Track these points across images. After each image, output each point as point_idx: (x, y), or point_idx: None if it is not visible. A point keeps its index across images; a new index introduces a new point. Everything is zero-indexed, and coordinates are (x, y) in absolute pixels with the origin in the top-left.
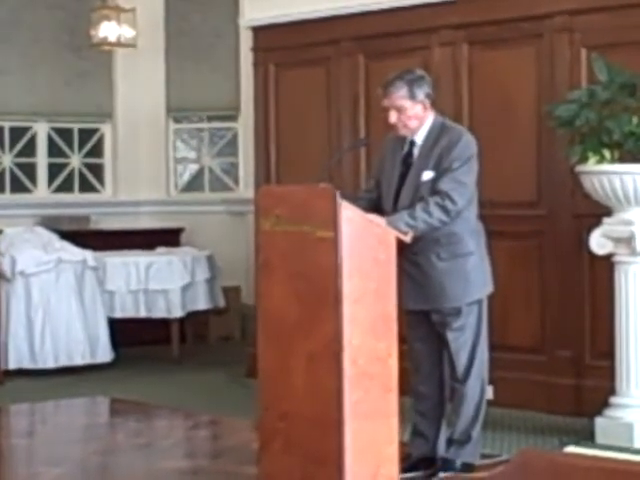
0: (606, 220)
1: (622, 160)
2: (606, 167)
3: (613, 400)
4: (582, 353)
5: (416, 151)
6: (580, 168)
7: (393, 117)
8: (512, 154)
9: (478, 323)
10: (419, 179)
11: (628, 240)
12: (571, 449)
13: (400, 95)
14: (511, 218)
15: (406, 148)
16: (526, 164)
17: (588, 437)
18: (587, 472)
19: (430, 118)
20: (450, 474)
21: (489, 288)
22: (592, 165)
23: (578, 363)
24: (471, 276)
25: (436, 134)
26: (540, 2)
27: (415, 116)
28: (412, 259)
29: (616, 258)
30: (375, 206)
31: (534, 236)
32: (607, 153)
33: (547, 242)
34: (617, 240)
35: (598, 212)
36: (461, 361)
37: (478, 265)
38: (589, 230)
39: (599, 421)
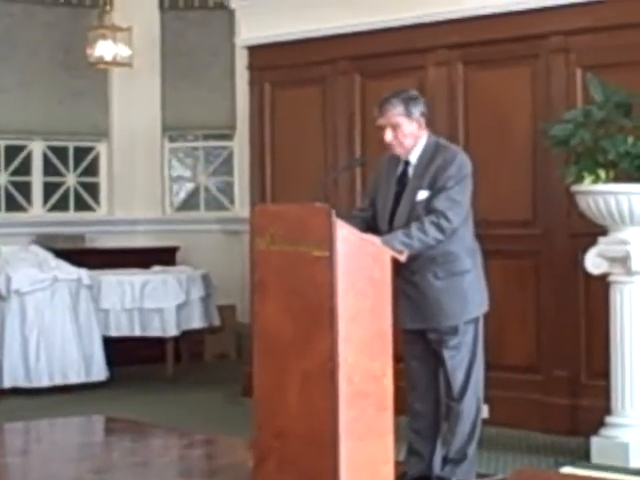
0: (601, 240)
1: (617, 180)
2: (601, 187)
3: (609, 420)
4: (578, 372)
5: (411, 170)
6: (575, 188)
7: (389, 135)
8: (507, 173)
9: (474, 342)
10: (414, 198)
11: (623, 260)
12: (567, 470)
13: (396, 112)
14: (506, 237)
15: (401, 168)
16: (521, 183)
17: (584, 457)
18: None
19: (424, 137)
20: None
21: (485, 306)
22: (587, 185)
23: (574, 382)
24: (468, 294)
25: (430, 153)
26: (536, 23)
27: (410, 134)
28: (409, 278)
29: (611, 278)
30: (368, 225)
31: (530, 255)
32: (602, 173)
33: (543, 261)
34: (612, 260)
35: (593, 232)
36: (457, 379)
37: (475, 283)
38: (584, 250)
39: (595, 441)
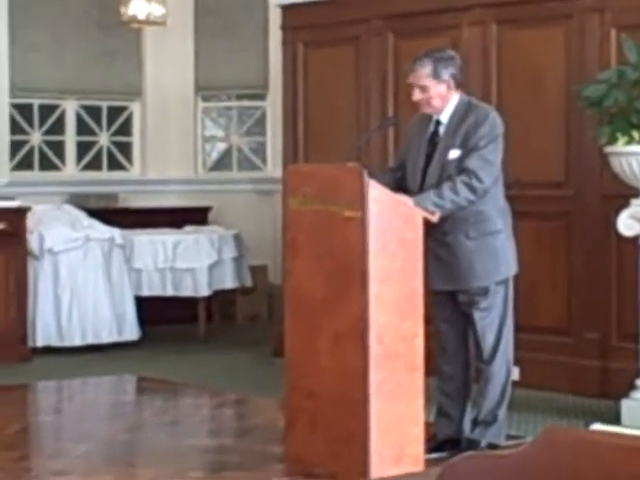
0: (634, 201)
1: None
2: (635, 148)
3: (639, 382)
4: (608, 335)
5: (442, 130)
6: (609, 149)
7: (417, 95)
8: (540, 134)
9: (505, 303)
10: (446, 158)
11: None
12: (597, 427)
13: (424, 73)
14: (538, 198)
15: (432, 127)
16: (554, 144)
17: (614, 419)
18: (613, 449)
19: (455, 98)
20: None
21: (516, 267)
22: (621, 146)
23: (604, 345)
24: (500, 254)
25: (462, 113)
26: None
27: (438, 95)
28: (440, 239)
29: None
30: (399, 185)
31: (561, 217)
32: (636, 134)
33: (574, 223)
34: None
35: (626, 193)
36: (487, 342)
37: (506, 243)
38: (617, 211)
39: (625, 403)
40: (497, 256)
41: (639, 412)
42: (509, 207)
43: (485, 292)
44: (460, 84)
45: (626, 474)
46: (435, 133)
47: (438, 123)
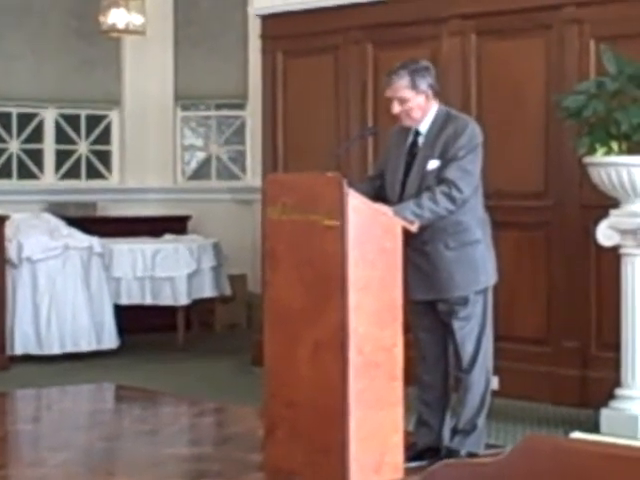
0: (613, 212)
1: (630, 152)
2: (614, 159)
3: (619, 392)
4: (588, 344)
5: (421, 140)
6: (588, 159)
7: (396, 108)
8: (520, 145)
9: (484, 313)
10: (425, 168)
11: (635, 232)
12: (576, 435)
13: (402, 85)
14: (518, 209)
15: (411, 138)
16: (534, 155)
17: (593, 428)
18: (592, 457)
19: (434, 108)
20: None
21: (495, 277)
22: (600, 157)
23: (584, 354)
24: (479, 264)
25: (441, 123)
26: None
27: (418, 107)
28: (420, 249)
29: (623, 250)
30: (377, 194)
31: (540, 227)
32: (615, 145)
33: (553, 233)
34: (624, 232)
35: (605, 204)
36: (467, 351)
37: (485, 253)
38: (596, 222)
39: (604, 412)
40: (476, 266)
41: (618, 421)
42: (488, 217)
43: (465, 302)
44: (437, 93)
45: None
46: (414, 143)
47: (417, 133)
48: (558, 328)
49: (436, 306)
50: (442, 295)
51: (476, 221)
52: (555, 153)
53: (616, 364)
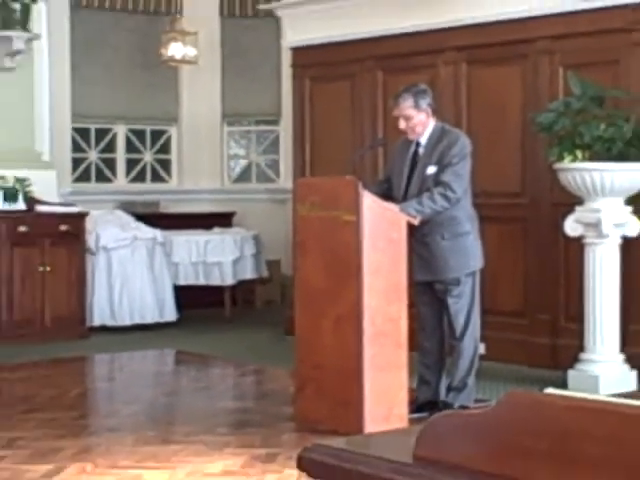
0: (578, 208)
1: (591, 159)
2: (578, 165)
3: (582, 356)
4: (557, 317)
5: (421, 150)
6: (557, 165)
7: (402, 124)
8: (501, 153)
9: (472, 291)
10: (425, 173)
11: (596, 225)
12: (550, 390)
13: (407, 105)
14: (500, 206)
15: (413, 148)
16: (513, 161)
17: (562, 386)
18: (564, 408)
19: (432, 123)
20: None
21: (481, 262)
22: (567, 163)
23: (554, 325)
24: (469, 251)
25: (437, 136)
26: (525, 29)
27: (420, 122)
28: (421, 239)
29: (586, 240)
30: (386, 194)
31: (518, 221)
32: (579, 153)
33: (529, 226)
34: (587, 225)
35: (572, 202)
36: (459, 322)
37: (474, 243)
38: (564, 216)
39: (571, 373)
40: (467, 253)
41: (582, 380)
42: (476, 213)
43: (457, 282)
44: (435, 111)
45: (576, 428)
46: (416, 153)
47: (418, 145)
48: (533, 304)
49: (434, 286)
50: (439, 277)
51: (466, 216)
52: (530, 160)
53: (580, 333)
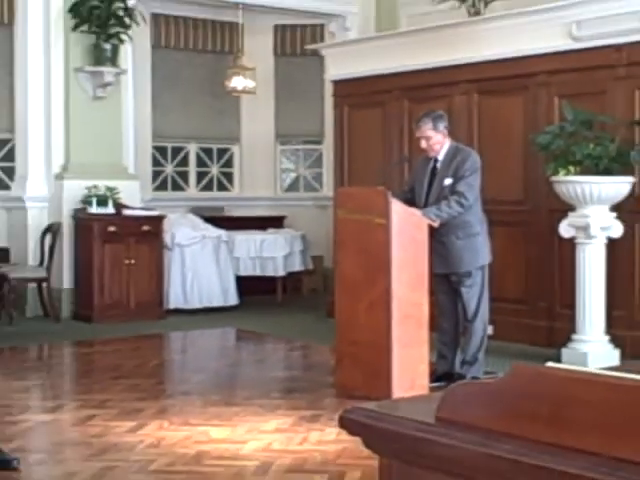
0: (571, 214)
1: (582, 173)
2: (571, 178)
3: (574, 337)
4: (553, 304)
5: (439, 165)
6: (553, 178)
7: (423, 144)
8: (507, 168)
9: (482, 282)
10: (442, 184)
11: (585, 228)
12: (550, 364)
13: (427, 128)
14: (506, 212)
15: (432, 164)
16: (516, 175)
17: (557, 362)
18: (565, 379)
19: (448, 143)
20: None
21: (489, 258)
22: (561, 176)
23: (550, 311)
24: (479, 249)
25: (452, 153)
26: (526, 65)
27: (437, 142)
28: (439, 239)
29: (577, 240)
30: (409, 202)
31: (521, 224)
32: (572, 168)
33: (530, 228)
34: (578, 228)
35: (565, 208)
36: (470, 308)
37: (483, 242)
38: (559, 221)
39: (565, 351)
40: (477, 251)
41: (574, 356)
42: (486, 217)
43: (469, 274)
44: (450, 132)
45: (571, 395)
46: (434, 168)
47: (436, 161)
48: (533, 293)
49: (450, 277)
50: (453, 270)
51: (477, 220)
52: (531, 173)
53: (572, 318)
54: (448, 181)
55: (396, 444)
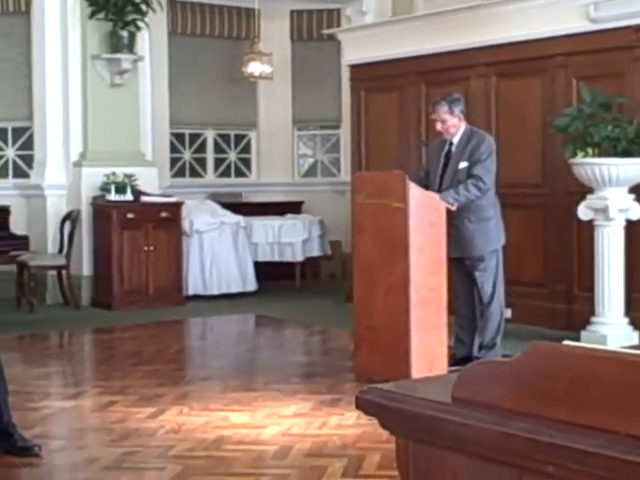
0: (589, 196)
1: (600, 155)
2: (589, 160)
3: (593, 319)
4: (572, 287)
5: (454, 149)
6: (571, 161)
7: (439, 126)
8: (525, 151)
9: (497, 265)
10: (457, 168)
11: (604, 210)
12: (567, 342)
13: (443, 111)
14: (524, 195)
15: (447, 147)
16: (534, 157)
17: None
18: (581, 357)
19: (463, 126)
20: None
21: (502, 241)
22: (580, 159)
23: (569, 294)
24: (491, 234)
25: (467, 137)
26: (544, 47)
27: (453, 125)
28: (453, 223)
29: (596, 222)
30: (425, 185)
31: (539, 207)
32: (590, 150)
33: (548, 211)
34: (596, 210)
35: (583, 191)
36: (486, 292)
37: (496, 226)
38: (577, 203)
39: (584, 334)
40: (489, 235)
41: (593, 339)
42: (499, 200)
43: (482, 259)
44: (466, 116)
45: (587, 373)
46: (449, 151)
47: (451, 144)
48: (551, 276)
49: (464, 261)
50: (467, 254)
51: (490, 203)
52: (549, 156)
53: (591, 300)
54: (463, 164)
55: (412, 424)
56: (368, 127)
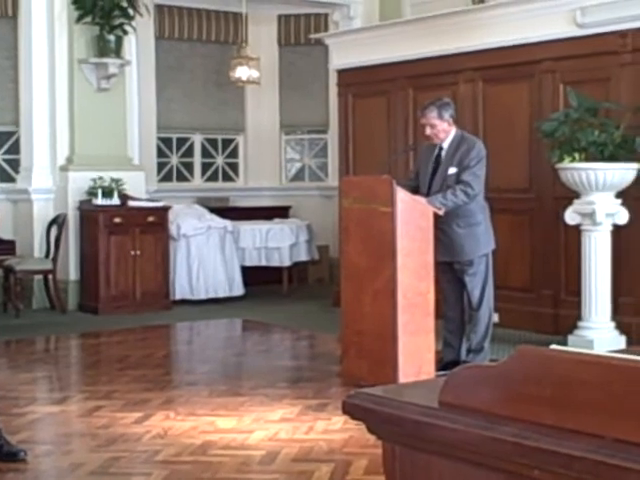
0: (576, 201)
1: (587, 160)
2: (576, 165)
3: (580, 324)
4: (559, 291)
5: (443, 154)
6: (558, 165)
7: (428, 131)
8: (512, 156)
9: (486, 270)
10: (446, 173)
11: (591, 215)
12: (553, 346)
13: (432, 116)
14: (511, 199)
15: (436, 152)
16: (521, 162)
17: None
18: (568, 361)
19: (453, 131)
20: None
21: (492, 246)
22: (567, 163)
23: (556, 298)
24: (480, 238)
25: (457, 142)
26: (531, 52)
27: (442, 130)
28: (441, 228)
29: (583, 227)
30: (414, 190)
31: (526, 212)
32: (577, 155)
33: (535, 216)
34: (583, 215)
35: (570, 195)
36: (475, 295)
37: (485, 231)
38: (564, 208)
39: (571, 338)
40: (478, 239)
41: (579, 343)
42: (488, 205)
43: (471, 263)
44: (455, 121)
45: (573, 377)
46: (439, 156)
47: (441, 149)
48: (538, 280)
49: (453, 265)
50: (456, 258)
51: (479, 209)
52: (536, 161)
53: (578, 305)
54: (452, 170)
55: (399, 428)
56: (356, 132)
